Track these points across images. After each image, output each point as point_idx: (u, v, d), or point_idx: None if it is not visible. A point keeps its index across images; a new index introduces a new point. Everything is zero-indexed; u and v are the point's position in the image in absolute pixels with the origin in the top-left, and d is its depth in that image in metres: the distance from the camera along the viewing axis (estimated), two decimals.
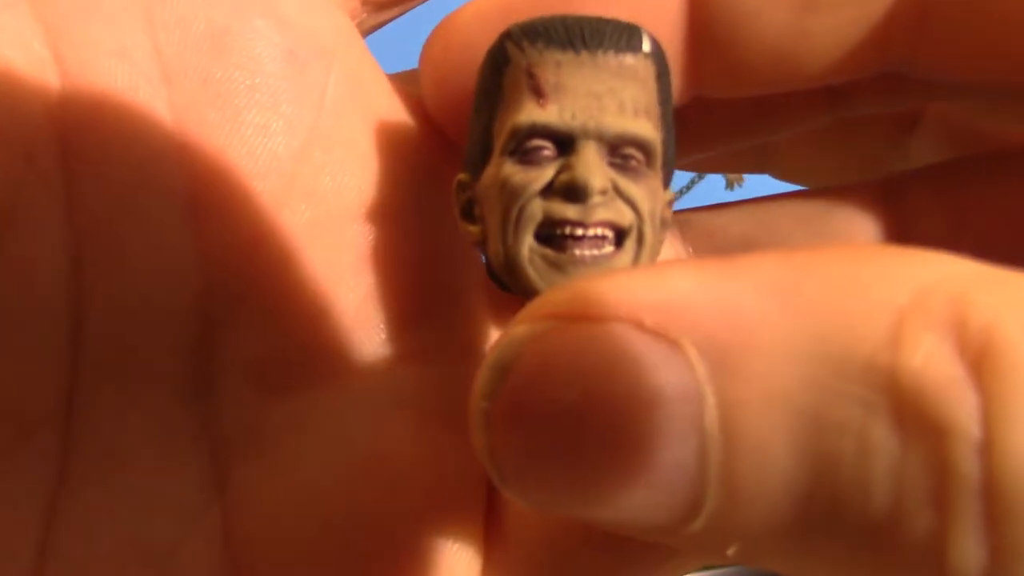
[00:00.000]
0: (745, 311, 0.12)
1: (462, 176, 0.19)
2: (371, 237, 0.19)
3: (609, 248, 0.17)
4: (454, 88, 0.19)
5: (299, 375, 0.19)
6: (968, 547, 0.11)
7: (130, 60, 0.17)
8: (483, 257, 0.19)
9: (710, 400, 0.12)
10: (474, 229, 0.18)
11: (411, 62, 0.22)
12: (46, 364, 0.17)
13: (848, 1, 0.19)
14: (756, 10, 0.19)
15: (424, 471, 0.19)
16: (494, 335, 0.21)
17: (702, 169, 0.33)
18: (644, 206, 0.17)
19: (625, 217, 0.17)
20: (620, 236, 0.17)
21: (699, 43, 0.20)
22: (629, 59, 0.17)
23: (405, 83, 0.21)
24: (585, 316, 0.13)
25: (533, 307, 0.14)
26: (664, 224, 0.18)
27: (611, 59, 0.17)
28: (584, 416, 0.12)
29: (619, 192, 0.17)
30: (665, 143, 0.18)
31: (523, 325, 0.13)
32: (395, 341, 0.19)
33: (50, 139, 0.16)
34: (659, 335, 0.12)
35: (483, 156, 0.18)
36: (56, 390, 0.17)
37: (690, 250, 0.23)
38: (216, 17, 0.18)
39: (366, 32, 0.23)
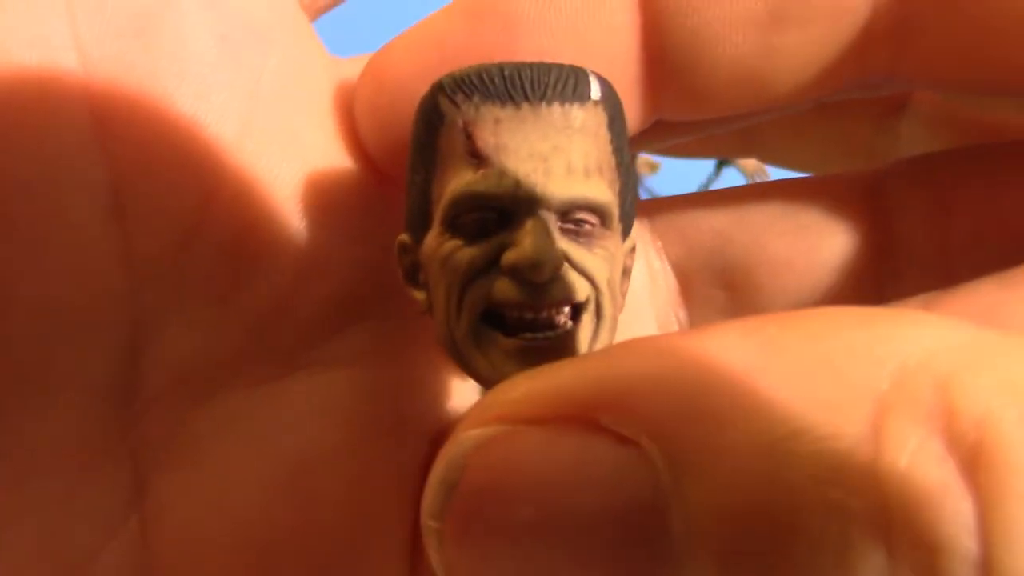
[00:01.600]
0: (707, 402, 0.11)
1: (403, 237, 0.17)
2: (305, 234, 0.18)
3: (565, 325, 0.15)
4: (390, 130, 0.18)
5: (226, 379, 0.18)
6: None
7: (46, 47, 0.16)
8: None
9: (675, 508, 0.11)
10: (420, 296, 0.17)
11: (373, 42, 0.20)
12: None
13: (818, 16, 0.18)
14: (717, 34, 0.18)
15: (349, 486, 0.18)
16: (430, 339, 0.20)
17: (684, 153, 0.32)
18: (601, 276, 0.15)
19: (581, 292, 0.15)
20: (576, 309, 0.15)
21: (657, 69, 0.18)
22: (576, 111, 0.15)
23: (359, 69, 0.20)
24: (536, 418, 0.12)
25: (479, 409, 0.13)
26: (625, 274, 0.17)
27: (556, 112, 0.15)
28: (540, 534, 0.11)
29: (573, 264, 0.15)
30: (622, 194, 0.16)
31: (469, 431, 0.12)
32: (327, 344, 0.18)
33: None
34: (617, 435, 0.11)
35: (423, 219, 0.16)
36: None
37: (659, 244, 0.22)
38: None
39: (318, 12, 0.21)
